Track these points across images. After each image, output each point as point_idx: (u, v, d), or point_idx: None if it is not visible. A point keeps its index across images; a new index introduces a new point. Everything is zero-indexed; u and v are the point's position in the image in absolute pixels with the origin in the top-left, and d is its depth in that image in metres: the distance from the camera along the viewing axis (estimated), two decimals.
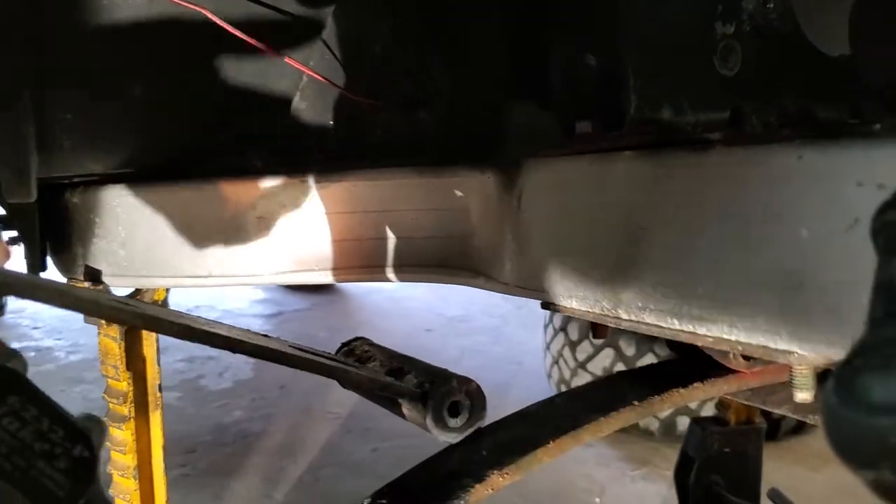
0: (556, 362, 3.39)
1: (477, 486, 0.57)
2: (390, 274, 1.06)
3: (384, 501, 0.60)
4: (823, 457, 3.11)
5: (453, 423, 0.42)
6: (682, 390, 0.69)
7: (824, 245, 0.50)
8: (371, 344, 0.49)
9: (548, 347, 3.48)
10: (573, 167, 0.72)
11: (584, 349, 3.20)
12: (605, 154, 0.69)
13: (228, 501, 2.70)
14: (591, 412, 0.65)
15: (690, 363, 0.76)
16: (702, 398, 0.71)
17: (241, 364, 4.30)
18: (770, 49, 0.73)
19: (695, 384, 0.69)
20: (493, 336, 4.89)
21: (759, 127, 0.74)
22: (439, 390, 0.42)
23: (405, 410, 0.42)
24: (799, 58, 0.75)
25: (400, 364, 0.45)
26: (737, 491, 1.58)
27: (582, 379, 3.22)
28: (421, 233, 1.03)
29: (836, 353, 0.51)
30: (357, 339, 0.51)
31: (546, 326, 3.52)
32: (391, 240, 1.05)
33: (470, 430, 0.43)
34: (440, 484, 0.59)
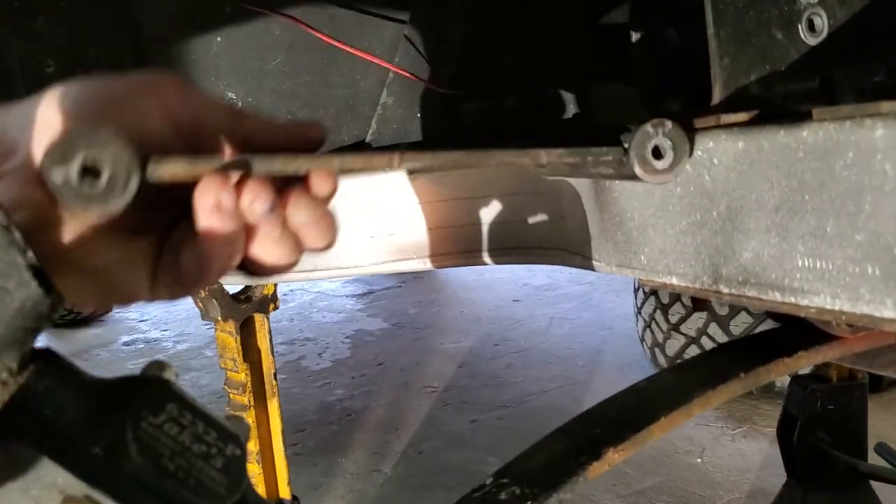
0: (649, 326, 3.37)
1: (594, 462, 0.61)
2: (486, 258, 1.09)
3: (506, 480, 0.64)
4: None
5: (661, 164, 0.44)
6: (787, 359, 0.70)
7: None
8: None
9: (639, 311, 3.47)
10: None
11: (677, 311, 3.17)
12: (697, 132, 0.71)
13: (339, 477, 2.82)
14: (699, 386, 0.68)
15: (794, 331, 0.77)
16: (807, 365, 0.72)
17: (338, 343, 4.44)
18: (855, 13, 0.72)
19: (799, 353, 0.70)
20: (581, 303, 4.89)
21: (851, 94, 0.74)
22: (637, 140, 0.43)
23: (608, 170, 0.44)
24: (886, 17, 0.74)
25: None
26: (843, 447, 1.57)
27: (675, 341, 3.20)
28: (515, 216, 1.06)
29: None
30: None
31: (636, 290, 3.50)
32: (485, 224, 1.08)
33: (680, 167, 0.44)
34: (558, 462, 0.63)
